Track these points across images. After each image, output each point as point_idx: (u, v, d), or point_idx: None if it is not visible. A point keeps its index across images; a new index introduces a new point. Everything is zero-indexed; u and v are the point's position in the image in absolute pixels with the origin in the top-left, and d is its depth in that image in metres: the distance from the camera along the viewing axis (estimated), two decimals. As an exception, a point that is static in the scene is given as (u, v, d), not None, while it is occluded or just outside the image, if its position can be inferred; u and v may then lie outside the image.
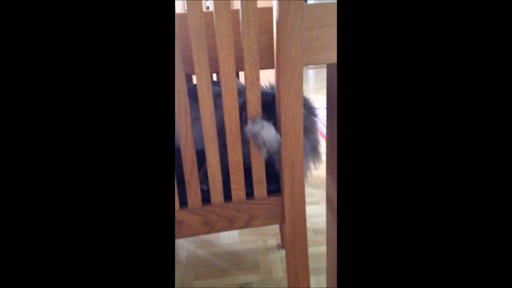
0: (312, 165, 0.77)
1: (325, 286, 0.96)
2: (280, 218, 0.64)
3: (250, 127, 0.57)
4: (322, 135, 0.75)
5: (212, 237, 1.24)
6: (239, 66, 0.57)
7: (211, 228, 0.63)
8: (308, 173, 0.74)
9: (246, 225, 0.63)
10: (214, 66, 0.56)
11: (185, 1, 1.46)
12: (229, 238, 1.22)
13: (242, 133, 0.59)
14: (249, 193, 0.62)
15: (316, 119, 0.74)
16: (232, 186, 0.61)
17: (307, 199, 1.42)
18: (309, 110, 0.73)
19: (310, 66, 4.67)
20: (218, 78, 1.21)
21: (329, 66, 0.67)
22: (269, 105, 0.63)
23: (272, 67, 0.58)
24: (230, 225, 0.63)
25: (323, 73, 4.12)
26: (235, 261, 1.09)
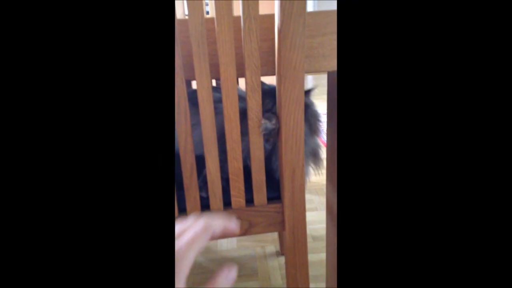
0: (311, 171, 0.77)
1: (324, 294, 0.95)
2: (280, 226, 0.63)
3: (268, 125, 0.59)
4: (322, 142, 0.75)
5: (210, 243, 1.23)
6: (240, 72, 0.57)
7: (210, 235, 0.62)
8: (307, 179, 0.74)
9: (245, 232, 0.63)
10: (215, 72, 0.56)
11: (185, 6, 1.47)
12: (227, 245, 1.21)
13: (243, 141, 0.59)
14: (249, 200, 0.62)
15: (320, 123, 0.74)
16: (232, 192, 0.60)
17: (306, 206, 1.41)
18: (312, 114, 0.74)
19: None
20: (217, 84, 1.21)
21: (329, 73, 0.67)
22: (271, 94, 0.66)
23: (273, 74, 0.58)
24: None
25: (321, 78, 4.13)
26: (233, 267, 1.08)
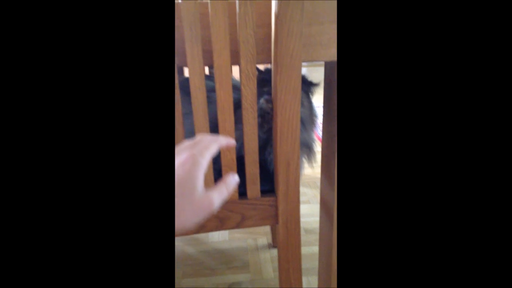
0: (305, 163, 0.75)
1: (316, 287, 0.95)
2: (273, 219, 0.62)
3: (264, 105, 0.58)
4: (317, 136, 0.74)
5: (201, 234, 1.21)
6: (234, 60, 0.54)
7: (201, 228, 0.60)
8: (301, 172, 0.72)
9: (238, 225, 0.61)
10: (208, 59, 0.54)
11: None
12: (219, 236, 1.19)
13: (237, 129, 0.57)
14: (242, 193, 0.60)
15: (315, 117, 0.72)
16: (224, 185, 0.58)
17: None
18: (308, 107, 0.72)
19: (304, 64, 4.64)
20: (210, 72, 1.18)
21: (327, 64, 0.65)
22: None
23: (269, 62, 0.56)
24: (221, 225, 0.61)
25: (316, 71, 4.11)
26: (225, 259, 1.07)
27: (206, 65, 0.54)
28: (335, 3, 0.54)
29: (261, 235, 1.19)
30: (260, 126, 0.62)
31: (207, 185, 0.58)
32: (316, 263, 1.04)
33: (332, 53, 0.57)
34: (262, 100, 0.59)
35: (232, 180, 0.34)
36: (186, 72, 1.25)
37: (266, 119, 0.61)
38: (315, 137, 0.75)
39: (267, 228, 1.22)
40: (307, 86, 0.73)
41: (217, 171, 0.60)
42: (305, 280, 0.97)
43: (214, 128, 0.57)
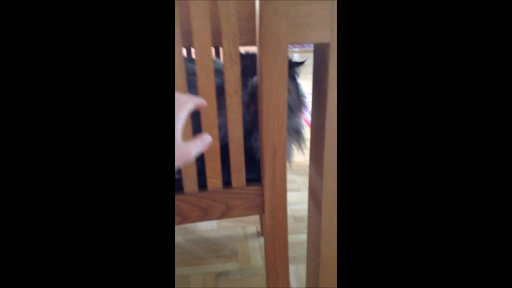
0: (294, 150, 0.73)
1: (304, 275, 0.94)
2: (259, 209, 0.60)
3: (254, 84, 0.57)
4: (306, 121, 0.71)
5: (189, 224, 1.19)
6: (217, 41, 0.51)
7: (184, 218, 0.58)
8: (291, 159, 0.70)
9: (222, 215, 0.59)
10: (188, 40, 0.50)
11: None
12: (207, 225, 1.18)
13: (220, 115, 0.54)
14: (226, 182, 0.58)
15: (304, 98, 0.70)
16: (208, 174, 0.56)
17: (288, 186, 1.39)
18: (296, 89, 0.69)
19: (295, 49, 4.58)
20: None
21: (317, 46, 0.62)
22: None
23: (254, 44, 0.53)
24: (204, 216, 0.58)
25: (308, 57, 4.05)
26: (213, 248, 1.06)
27: (188, 46, 0.51)
28: (324, -19, 0.51)
29: (250, 223, 1.18)
30: (247, 107, 0.59)
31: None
32: (305, 251, 1.03)
33: (322, 35, 0.54)
34: (255, 79, 0.56)
35: (207, 137, 0.37)
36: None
37: (254, 99, 0.58)
38: (304, 122, 0.73)
39: (256, 216, 1.21)
40: (291, 68, 0.70)
41: (199, 160, 0.57)
42: (293, 268, 0.96)
43: (195, 114, 0.54)
